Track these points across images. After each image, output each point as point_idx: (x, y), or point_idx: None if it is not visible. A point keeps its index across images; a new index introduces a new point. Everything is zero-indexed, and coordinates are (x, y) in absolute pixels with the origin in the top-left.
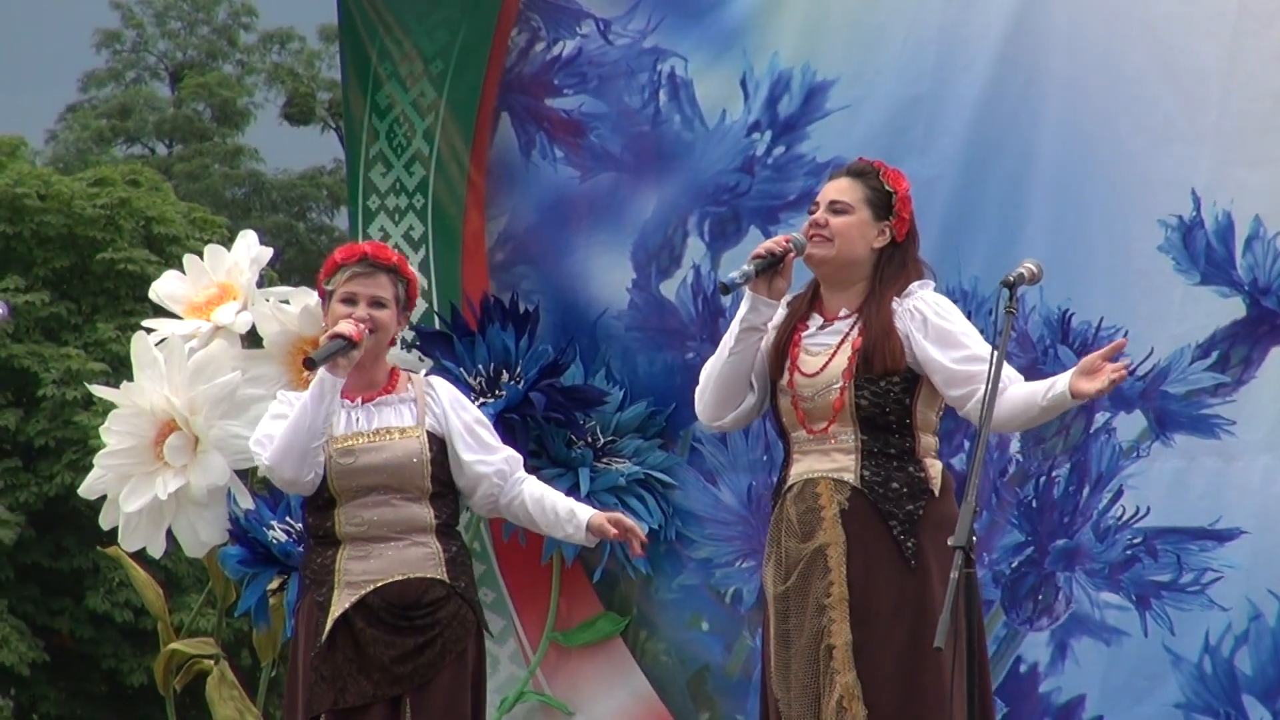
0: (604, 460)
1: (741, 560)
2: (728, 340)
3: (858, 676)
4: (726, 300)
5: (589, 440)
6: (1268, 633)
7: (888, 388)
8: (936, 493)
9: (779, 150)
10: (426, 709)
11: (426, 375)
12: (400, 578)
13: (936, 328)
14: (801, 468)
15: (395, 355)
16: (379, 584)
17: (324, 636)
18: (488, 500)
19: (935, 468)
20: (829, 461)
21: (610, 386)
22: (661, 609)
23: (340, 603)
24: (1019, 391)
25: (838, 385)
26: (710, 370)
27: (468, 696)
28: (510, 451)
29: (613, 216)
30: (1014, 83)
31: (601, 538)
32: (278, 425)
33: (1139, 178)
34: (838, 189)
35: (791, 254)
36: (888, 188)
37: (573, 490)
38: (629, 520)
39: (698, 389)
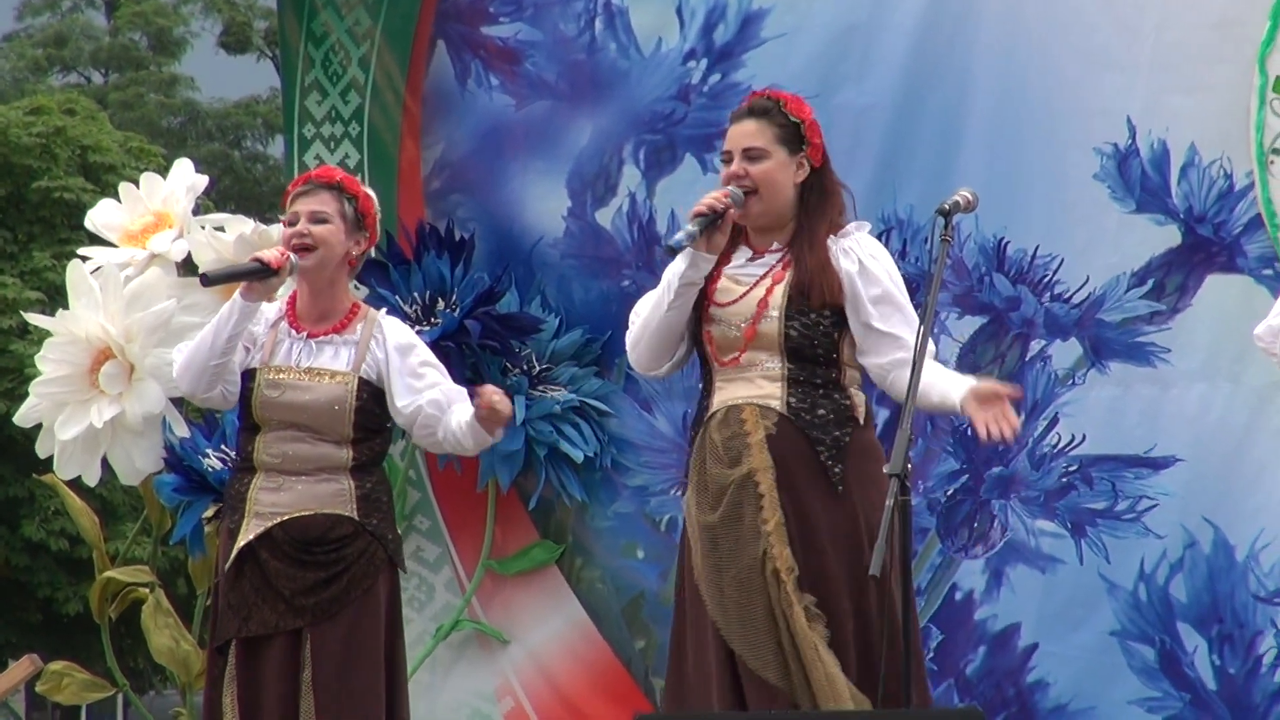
0: (539, 388)
1: (677, 488)
2: (664, 294)
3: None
4: (662, 228)
5: (524, 368)
6: (1202, 560)
7: (818, 320)
8: (861, 421)
9: (715, 78)
10: (327, 643)
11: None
12: (307, 512)
13: (883, 294)
14: (725, 395)
15: None
16: (285, 517)
17: (229, 564)
18: (427, 436)
19: (859, 398)
20: (755, 389)
21: (546, 314)
22: (597, 537)
23: (247, 532)
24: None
25: (752, 316)
26: (646, 322)
27: (377, 634)
28: (448, 386)
29: (548, 145)
30: (950, 11)
31: (488, 419)
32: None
33: (1074, 106)
34: (747, 134)
35: (732, 209)
36: (794, 119)
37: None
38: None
39: (630, 338)
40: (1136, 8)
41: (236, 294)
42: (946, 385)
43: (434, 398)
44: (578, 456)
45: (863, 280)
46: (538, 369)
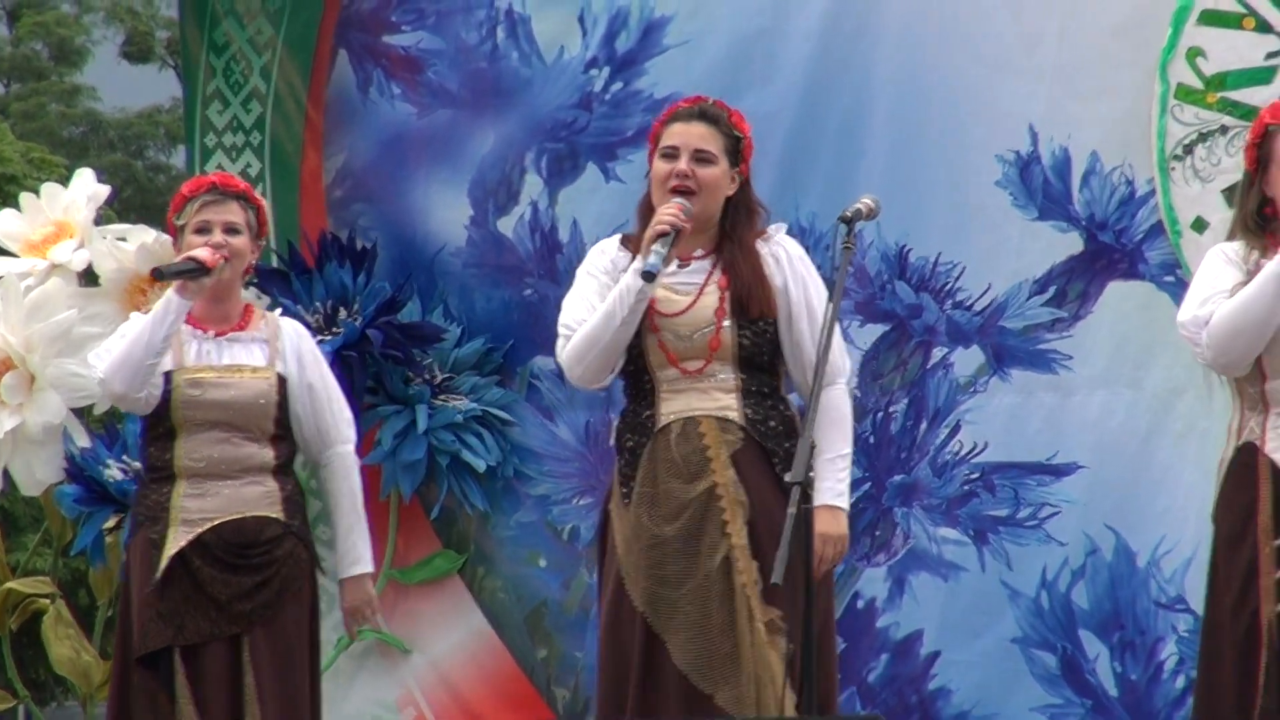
0: (441, 397)
1: (579, 497)
2: (615, 309)
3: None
4: (564, 237)
5: (426, 377)
6: (1104, 567)
7: (765, 328)
8: (800, 430)
9: (617, 86)
10: (265, 647)
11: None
12: (237, 516)
13: (811, 308)
14: (677, 406)
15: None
16: (216, 522)
17: (159, 574)
18: (309, 456)
19: (793, 405)
20: (710, 400)
21: (448, 323)
22: (499, 546)
23: (176, 540)
24: (822, 421)
25: (712, 325)
26: (594, 339)
27: (305, 636)
28: (345, 415)
29: (450, 153)
30: (851, 18)
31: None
32: (122, 342)
33: (976, 112)
34: (700, 136)
35: (689, 224)
36: (737, 133)
37: (410, 428)
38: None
39: (571, 354)
40: (1038, 14)
41: (170, 292)
42: (818, 478)
43: (326, 432)
44: (480, 466)
45: (800, 299)
46: (440, 378)
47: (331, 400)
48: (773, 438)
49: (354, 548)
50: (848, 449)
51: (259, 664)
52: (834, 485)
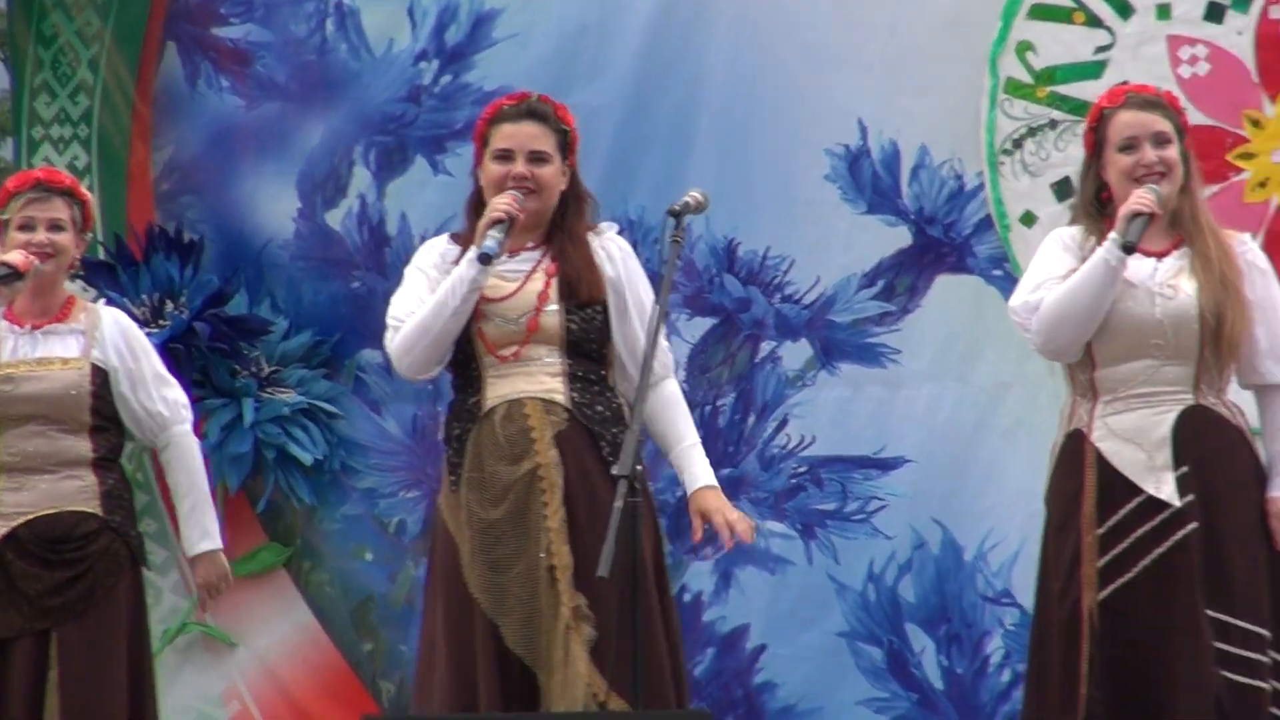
0: (268, 390)
1: (406, 490)
2: (448, 299)
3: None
4: (392, 230)
5: (254, 370)
6: (931, 561)
7: (593, 315)
8: (629, 420)
9: (446, 79)
10: (74, 643)
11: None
12: (52, 510)
13: (641, 304)
14: (503, 389)
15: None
16: (30, 516)
17: None
18: (147, 442)
19: (622, 396)
20: (536, 383)
21: (275, 316)
22: (325, 539)
23: None
24: (670, 413)
25: (532, 309)
26: (425, 327)
27: (121, 632)
28: (176, 398)
29: (279, 146)
30: (681, 12)
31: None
32: None
33: (806, 106)
34: (533, 136)
35: (523, 212)
36: (564, 127)
37: (236, 421)
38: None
39: (400, 344)
40: (867, 8)
41: None
42: (687, 460)
43: (159, 414)
44: (306, 459)
45: (628, 288)
46: (266, 371)
47: (161, 384)
48: (600, 422)
49: (200, 524)
50: (695, 437)
51: (66, 659)
52: (705, 468)
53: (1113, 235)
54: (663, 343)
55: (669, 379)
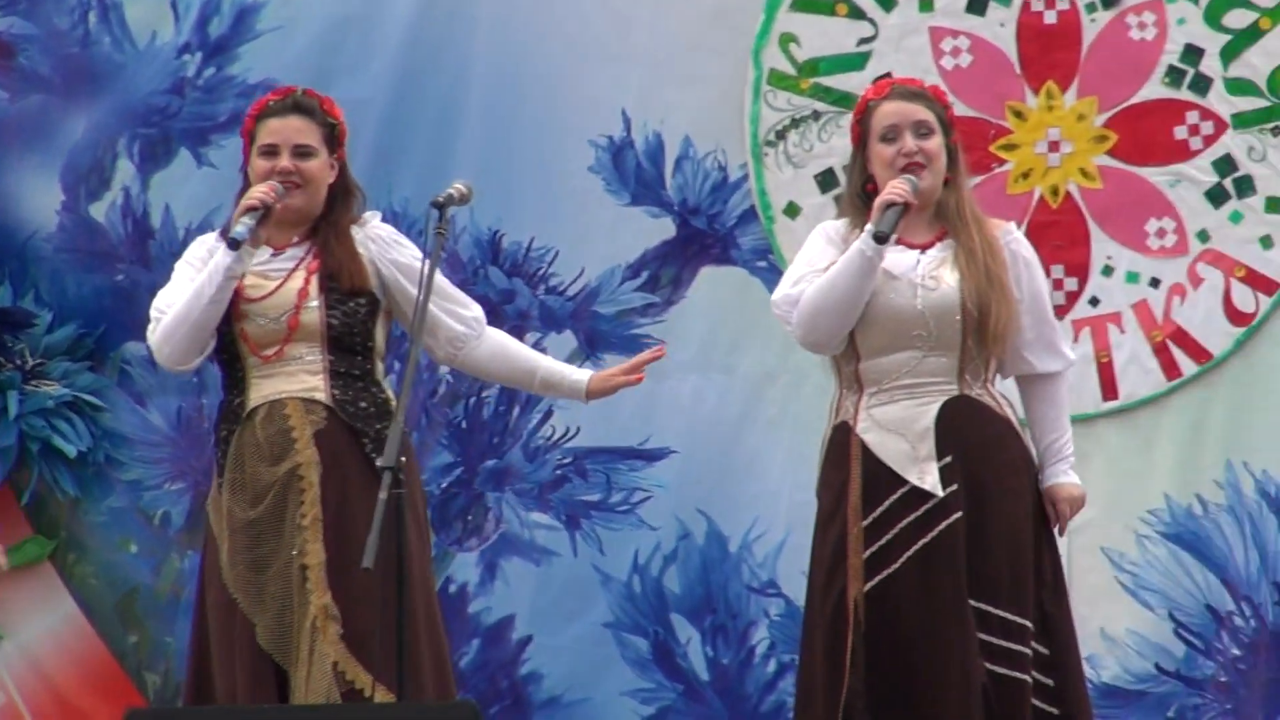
0: (32, 383)
1: (170, 482)
2: (204, 287)
3: (334, 597)
4: (156, 222)
5: (18, 363)
6: (696, 551)
7: (356, 308)
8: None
9: (209, 72)
10: None
11: None
12: None
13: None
14: (265, 390)
15: None
16: None
17: None
18: None
19: (388, 390)
20: (297, 383)
21: (39, 309)
22: (90, 532)
23: None
24: (507, 352)
25: (293, 307)
26: (183, 316)
27: None
28: None
29: (42, 138)
30: (445, 2)
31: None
32: None
33: (570, 98)
34: (298, 130)
35: (279, 203)
36: (331, 120)
37: (1, 413)
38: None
39: (160, 334)
40: (631, 0)
41: None
42: (559, 373)
43: None
44: (71, 451)
45: (403, 274)
46: (31, 364)
47: None
48: (362, 419)
49: None
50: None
51: None
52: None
53: (868, 226)
54: (462, 297)
55: (482, 333)
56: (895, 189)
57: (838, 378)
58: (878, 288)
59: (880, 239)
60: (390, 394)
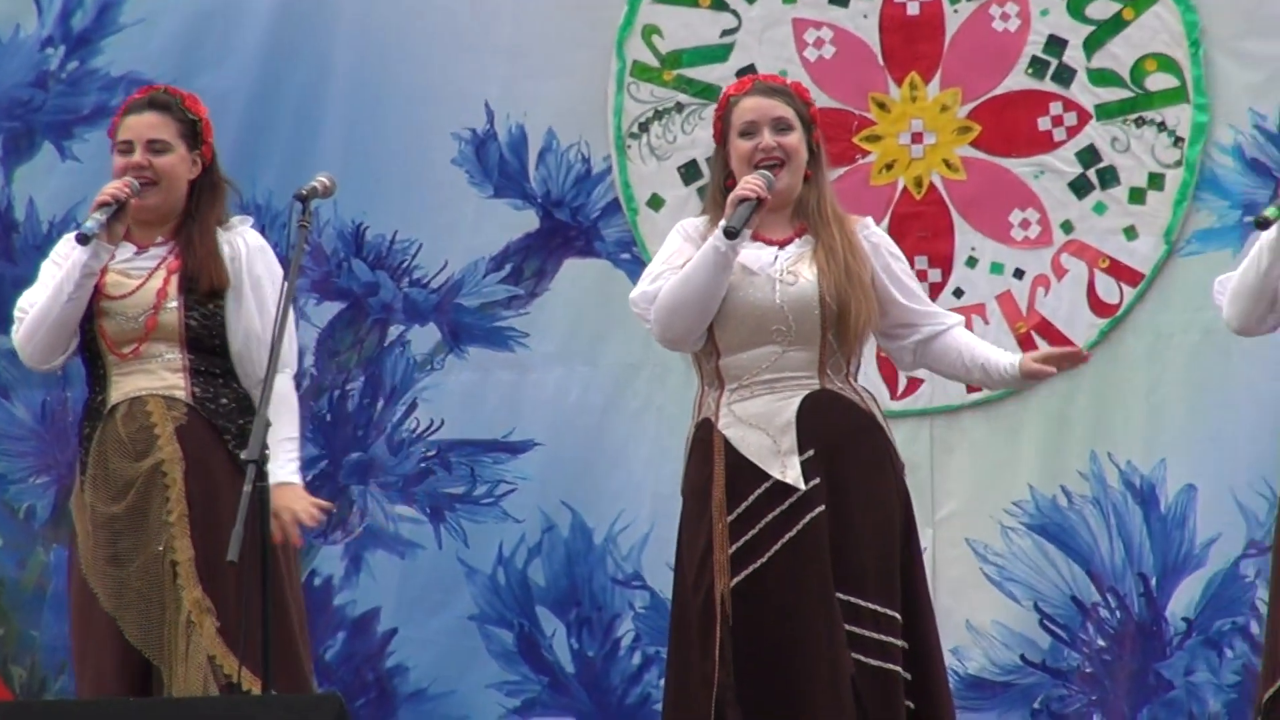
0: None
1: (35, 476)
2: (64, 285)
3: (205, 591)
4: (20, 215)
5: None
6: (561, 544)
7: (215, 310)
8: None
9: (73, 65)
10: None
11: None
12: None
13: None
14: (125, 388)
15: None
16: None
17: None
18: None
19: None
20: (157, 380)
21: None
22: None
23: None
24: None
25: (151, 307)
26: (44, 314)
27: None
28: None
29: None
30: None
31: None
32: None
33: (433, 90)
34: (152, 126)
35: (133, 199)
36: (192, 115)
37: None
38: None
39: (23, 333)
40: None
41: None
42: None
43: None
44: None
45: (250, 279)
46: None
47: None
48: (224, 415)
49: None
50: (295, 433)
51: None
52: (285, 464)
53: (721, 222)
54: (290, 333)
55: (282, 373)
56: (748, 184)
57: (700, 374)
58: (736, 284)
59: (730, 234)
60: (249, 390)
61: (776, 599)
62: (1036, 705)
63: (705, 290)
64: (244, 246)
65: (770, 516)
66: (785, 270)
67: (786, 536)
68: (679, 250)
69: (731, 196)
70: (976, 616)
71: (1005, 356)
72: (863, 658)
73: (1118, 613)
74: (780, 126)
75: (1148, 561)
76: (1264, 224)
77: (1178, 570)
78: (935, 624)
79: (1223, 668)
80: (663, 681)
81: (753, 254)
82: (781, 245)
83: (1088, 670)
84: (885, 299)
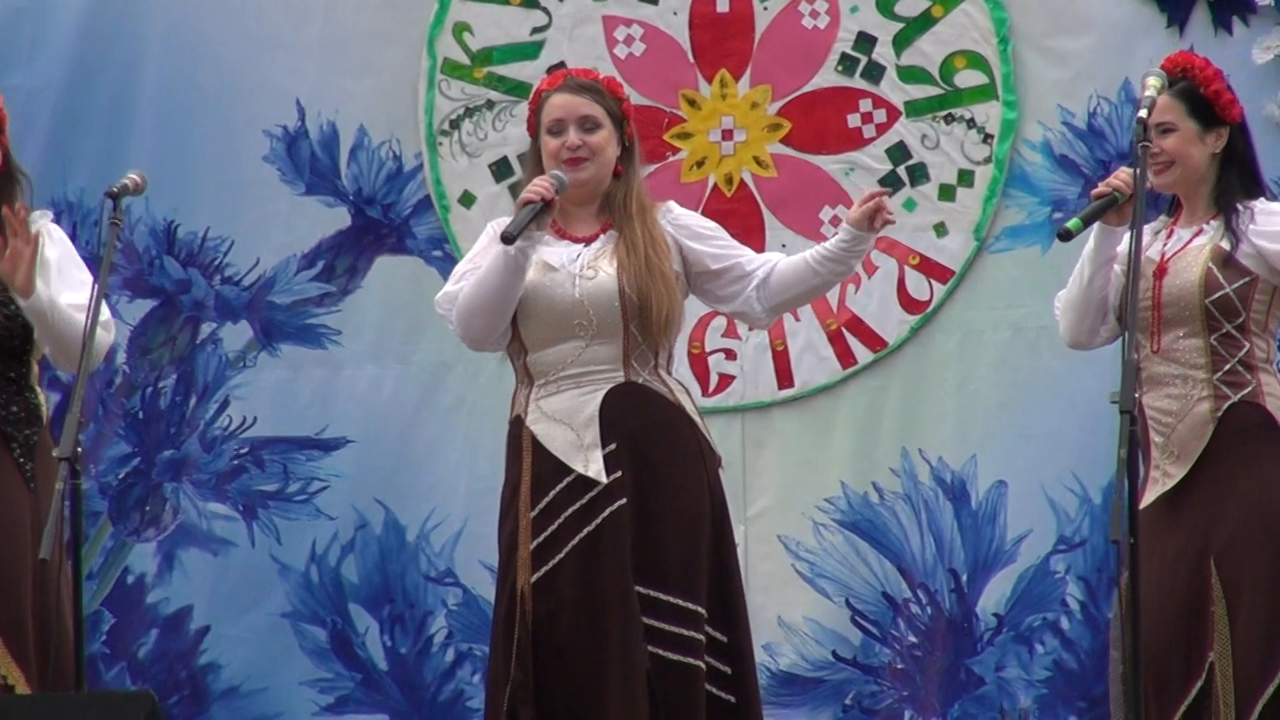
0: None
1: None
2: None
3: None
4: None
5: None
6: (374, 541)
7: (16, 312)
8: (45, 421)
9: None
10: None
11: None
12: None
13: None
14: None
15: None
16: None
17: None
18: None
19: (41, 395)
20: None
21: None
22: None
23: None
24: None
25: None
26: None
27: None
28: None
29: None
30: None
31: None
32: None
33: (245, 87)
34: None
35: None
36: None
37: None
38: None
39: None
40: None
41: None
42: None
43: None
44: None
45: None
46: None
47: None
48: (12, 423)
49: None
50: None
51: None
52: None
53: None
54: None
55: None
56: (534, 188)
57: (514, 371)
58: (538, 281)
59: (507, 240)
60: (43, 399)
61: (572, 593)
62: (848, 701)
63: (498, 293)
64: (45, 241)
65: (570, 511)
66: (585, 266)
67: (585, 531)
68: (484, 250)
69: (519, 200)
70: (788, 613)
71: (832, 239)
72: (662, 651)
73: (929, 609)
74: (587, 125)
75: (959, 558)
76: (1066, 236)
77: (988, 566)
78: (748, 618)
79: (1033, 663)
80: (475, 678)
81: (556, 251)
82: (586, 242)
83: (899, 666)
84: (703, 270)
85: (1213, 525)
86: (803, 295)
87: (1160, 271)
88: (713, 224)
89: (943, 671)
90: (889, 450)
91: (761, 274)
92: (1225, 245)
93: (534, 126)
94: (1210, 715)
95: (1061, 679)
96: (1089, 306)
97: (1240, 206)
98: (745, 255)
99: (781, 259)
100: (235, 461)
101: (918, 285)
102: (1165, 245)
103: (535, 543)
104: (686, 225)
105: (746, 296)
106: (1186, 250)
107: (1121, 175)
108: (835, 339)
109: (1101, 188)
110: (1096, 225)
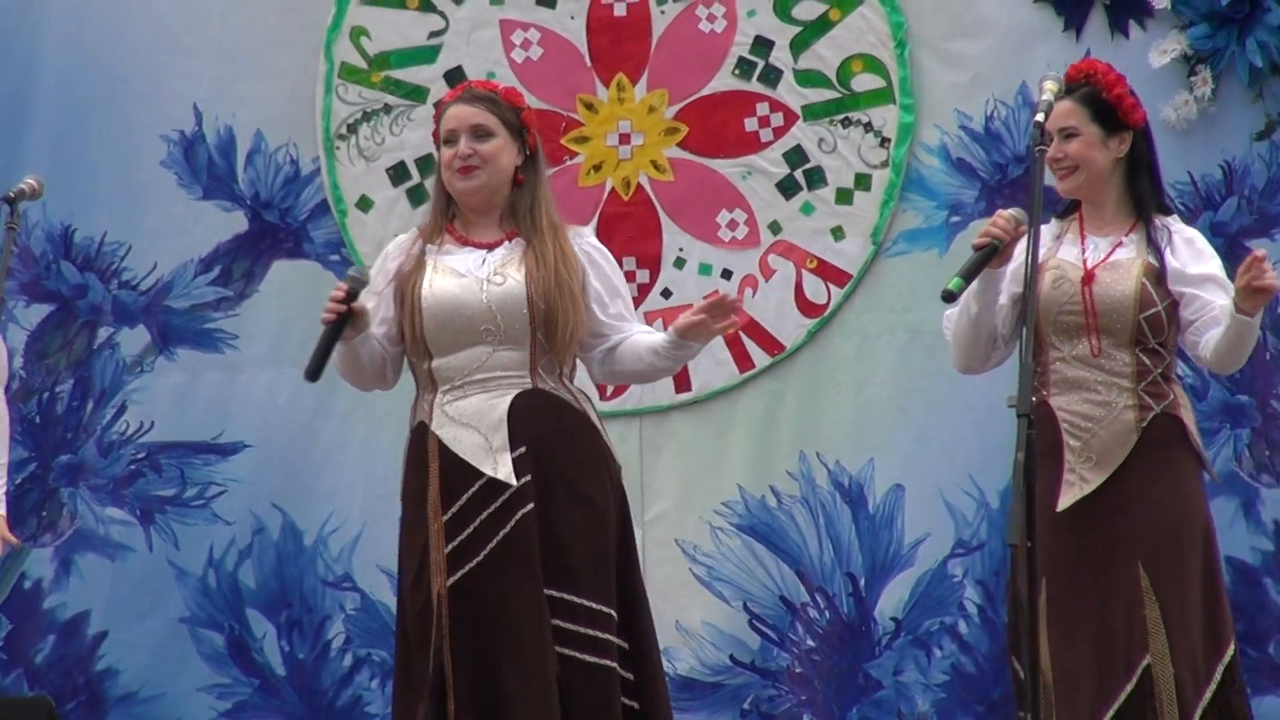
0: None
1: None
2: None
3: None
4: None
5: None
6: (271, 546)
7: None
8: None
9: None
10: None
11: None
12: None
13: None
14: None
15: None
16: None
17: None
18: None
19: None
20: None
21: None
22: None
23: None
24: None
25: None
26: None
27: None
28: None
29: None
30: None
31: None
32: None
33: (143, 92)
34: None
35: None
36: None
37: None
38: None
39: None
40: None
41: None
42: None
43: None
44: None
45: None
46: None
47: None
48: None
49: None
50: (5, 458)
51: None
52: None
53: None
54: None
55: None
56: (327, 308)
57: (415, 378)
58: (443, 287)
59: (309, 377)
60: None
61: (486, 596)
62: (746, 706)
63: (352, 368)
64: None
65: (484, 515)
66: (493, 272)
67: (500, 534)
68: (382, 272)
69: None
70: (686, 617)
71: (664, 332)
72: (575, 653)
73: (826, 613)
74: (479, 134)
75: (856, 561)
76: (949, 297)
77: (886, 570)
78: (653, 623)
79: (931, 667)
80: (374, 683)
81: (460, 258)
82: (490, 248)
83: (797, 670)
84: (587, 310)
85: (1136, 530)
86: (634, 378)
87: (1089, 278)
88: (623, 281)
89: (841, 675)
90: (787, 454)
91: (615, 340)
92: (1154, 262)
93: (436, 134)
94: (1153, 716)
95: (959, 683)
96: (978, 340)
97: (1158, 222)
98: (621, 318)
99: (635, 333)
100: (132, 466)
101: (815, 289)
102: (1085, 252)
103: (449, 547)
104: (597, 258)
105: (595, 355)
106: (1115, 262)
107: (999, 222)
108: (733, 342)
109: (980, 239)
110: None
